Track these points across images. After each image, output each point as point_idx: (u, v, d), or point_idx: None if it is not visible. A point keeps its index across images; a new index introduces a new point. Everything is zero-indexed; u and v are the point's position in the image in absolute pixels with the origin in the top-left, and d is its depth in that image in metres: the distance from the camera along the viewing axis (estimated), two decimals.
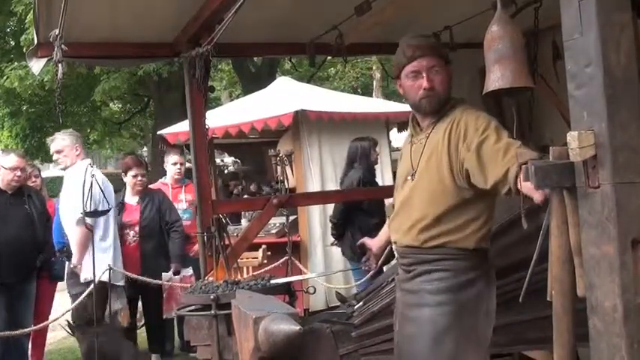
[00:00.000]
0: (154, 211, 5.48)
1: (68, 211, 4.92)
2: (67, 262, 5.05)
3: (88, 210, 4.69)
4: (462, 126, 2.34)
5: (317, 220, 6.99)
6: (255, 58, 14.09)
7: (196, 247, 5.84)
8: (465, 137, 2.30)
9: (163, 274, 5.25)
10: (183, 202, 6.04)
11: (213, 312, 3.09)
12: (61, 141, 5.06)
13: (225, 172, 10.72)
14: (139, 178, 5.51)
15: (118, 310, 5.04)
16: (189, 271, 5.44)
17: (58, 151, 5.06)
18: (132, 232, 5.42)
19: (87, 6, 3.66)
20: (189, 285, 5.09)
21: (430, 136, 2.46)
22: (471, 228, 2.38)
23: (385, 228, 2.98)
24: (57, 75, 3.78)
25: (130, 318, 5.28)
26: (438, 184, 2.39)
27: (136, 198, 5.54)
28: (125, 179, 5.60)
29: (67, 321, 4.75)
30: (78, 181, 4.75)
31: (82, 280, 4.80)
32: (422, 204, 2.44)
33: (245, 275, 5.16)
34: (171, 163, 6.19)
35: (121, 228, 5.36)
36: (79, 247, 4.81)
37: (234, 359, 3.09)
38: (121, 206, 5.45)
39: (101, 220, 4.86)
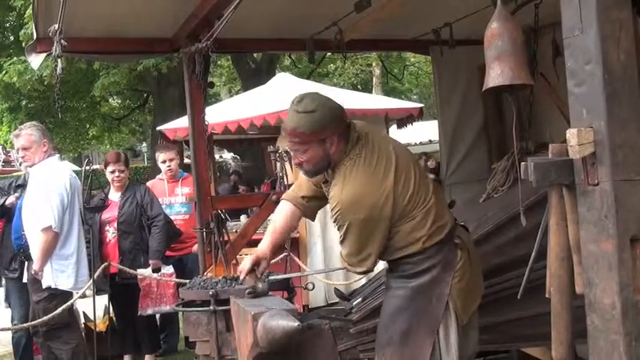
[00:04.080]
0: (134, 207, 5.31)
1: (32, 214, 4.54)
2: (26, 263, 4.73)
3: (84, 206, 4.67)
4: None
5: (317, 217, 6.97)
6: (254, 54, 14.07)
7: (196, 246, 5.85)
8: None
9: (140, 270, 5.09)
10: (180, 195, 5.96)
11: (212, 308, 3.09)
12: (28, 136, 4.61)
13: (231, 170, 10.70)
14: (117, 173, 5.38)
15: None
16: (169, 269, 5.28)
17: (25, 148, 4.60)
18: (111, 229, 5.29)
19: (86, 1, 3.66)
20: (172, 282, 5.07)
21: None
22: (409, 240, 2.62)
23: None
24: (56, 70, 3.78)
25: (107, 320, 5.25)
26: None
27: (119, 194, 5.42)
28: (107, 175, 5.52)
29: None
30: (46, 180, 4.54)
31: (43, 286, 4.48)
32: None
33: None
34: (160, 162, 6.08)
35: (101, 225, 5.27)
36: (42, 252, 4.44)
37: (233, 355, 3.09)
38: (103, 203, 5.34)
39: (64, 226, 4.54)
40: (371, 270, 2.67)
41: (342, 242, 2.64)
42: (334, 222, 2.64)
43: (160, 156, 6.08)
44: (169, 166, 5.99)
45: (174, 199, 5.85)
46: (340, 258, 2.71)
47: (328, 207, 2.74)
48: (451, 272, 2.63)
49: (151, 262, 5.20)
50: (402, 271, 2.66)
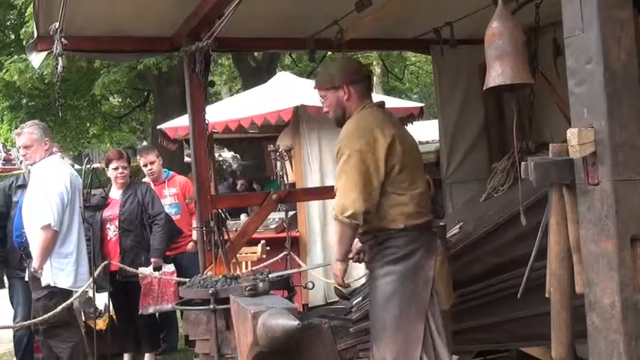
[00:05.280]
0: (135, 205, 5.31)
1: (32, 212, 4.54)
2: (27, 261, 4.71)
3: (85, 204, 4.67)
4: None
5: (316, 216, 6.98)
6: (255, 53, 14.05)
7: (190, 245, 5.85)
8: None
9: (141, 268, 5.09)
10: (168, 197, 5.94)
11: (211, 306, 3.09)
12: (30, 135, 4.64)
13: (230, 170, 10.69)
14: (120, 170, 5.38)
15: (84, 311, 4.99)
16: (170, 267, 5.29)
17: (27, 147, 4.64)
18: (112, 227, 5.29)
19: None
20: (173, 281, 5.08)
21: None
22: (392, 214, 2.81)
23: None
24: (57, 68, 3.77)
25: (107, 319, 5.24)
26: None
27: (120, 192, 5.41)
28: (108, 173, 5.50)
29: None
30: (46, 179, 4.54)
31: (43, 284, 4.48)
32: None
33: (244, 270, 5.15)
34: (142, 165, 6.08)
35: (102, 223, 5.26)
36: (42, 250, 4.45)
37: (232, 354, 3.09)
38: (103, 201, 5.33)
39: (64, 224, 4.53)
40: (358, 219, 2.73)
41: (336, 190, 2.81)
42: (337, 161, 2.86)
43: (141, 160, 6.08)
44: (151, 169, 5.99)
45: (163, 200, 5.77)
46: (332, 212, 2.84)
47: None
48: (433, 257, 2.83)
49: (152, 260, 5.20)
50: (386, 256, 2.82)
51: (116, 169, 5.39)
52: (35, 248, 4.51)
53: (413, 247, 2.81)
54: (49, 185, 4.52)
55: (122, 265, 5.01)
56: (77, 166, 7.19)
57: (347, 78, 2.98)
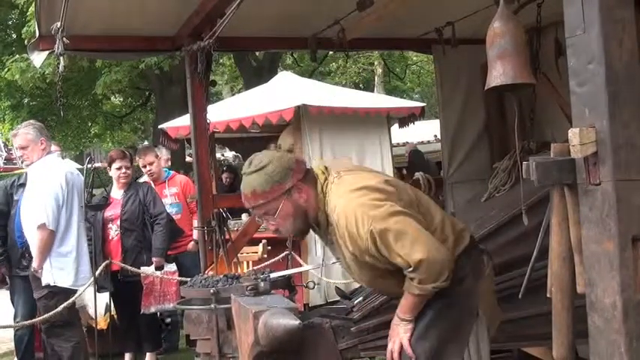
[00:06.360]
0: (136, 204, 5.32)
1: (31, 213, 4.56)
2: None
3: (86, 203, 4.67)
4: (348, 237, 2.32)
5: None
6: (256, 53, 14.05)
7: (191, 244, 5.85)
8: (360, 248, 2.32)
9: (143, 268, 5.10)
10: (168, 196, 5.95)
11: (213, 306, 3.09)
12: (25, 135, 4.64)
13: (224, 168, 10.69)
14: (123, 170, 5.39)
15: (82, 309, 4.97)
16: (172, 267, 5.30)
17: (23, 147, 4.65)
18: (114, 227, 5.30)
19: None
20: (175, 280, 5.08)
21: (336, 239, 2.41)
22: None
23: None
24: (58, 68, 3.78)
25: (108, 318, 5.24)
26: (376, 268, 2.42)
27: (121, 192, 5.42)
28: (110, 173, 5.50)
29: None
30: (41, 179, 4.54)
31: (43, 284, 4.51)
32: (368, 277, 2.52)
33: (245, 270, 5.15)
34: (142, 167, 6.10)
35: (104, 223, 5.28)
36: (39, 250, 4.47)
37: (233, 353, 3.09)
38: (105, 200, 5.35)
39: (61, 223, 4.54)
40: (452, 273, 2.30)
41: (406, 264, 2.26)
42: (384, 244, 2.26)
43: (140, 162, 6.08)
44: (150, 169, 6.00)
45: (164, 200, 5.78)
46: (416, 288, 2.30)
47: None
48: (480, 281, 2.50)
49: (154, 259, 5.20)
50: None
51: (119, 169, 5.40)
52: (33, 248, 4.52)
53: (461, 274, 2.40)
54: (43, 185, 4.53)
55: (124, 265, 5.01)
56: (78, 166, 7.20)
57: (295, 174, 2.37)
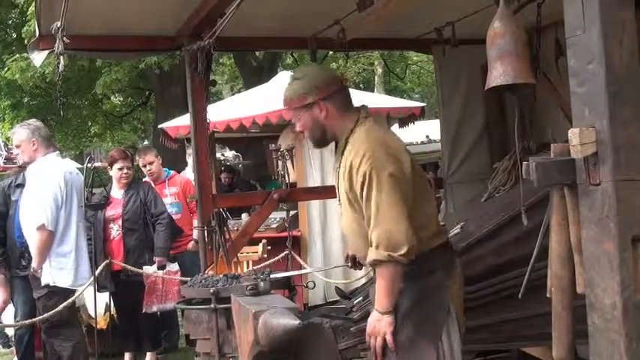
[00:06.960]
0: (138, 204, 5.34)
1: (30, 213, 4.59)
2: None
3: (85, 203, 4.67)
4: (348, 167, 2.52)
5: (317, 215, 6.98)
6: (256, 53, 14.05)
7: (191, 244, 5.86)
8: (350, 182, 2.52)
9: (145, 267, 5.12)
10: (168, 196, 5.96)
11: (212, 306, 3.09)
12: (18, 135, 4.69)
13: (222, 168, 10.70)
14: (125, 170, 5.41)
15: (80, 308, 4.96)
16: (174, 267, 5.32)
17: (17, 147, 4.73)
18: (115, 226, 5.31)
19: None
20: (177, 280, 5.09)
21: (340, 167, 2.62)
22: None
23: None
24: (58, 67, 3.77)
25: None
26: (355, 219, 2.59)
27: (121, 191, 5.43)
28: (111, 172, 5.51)
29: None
30: (39, 179, 4.55)
31: (42, 284, 4.53)
32: (356, 237, 2.66)
33: (245, 269, 5.15)
34: (142, 166, 6.12)
35: (105, 222, 5.28)
36: (38, 251, 4.50)
37: (233, 353, 3.10)
38: (105, 200, 5.35)
39: (60, 223, 4.56)
40: (413, 254, 2.40)
41: (372, 223, 2.41)
42: (363, 186, 2.43)
43: (140, 161, 6.10)
44: (150, 169, 6.02)
45: (164, 200, 5.78)
46: (373, 252, 2.43)
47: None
48: (451, 277, 2.61)
49: (156, 259, 5.22)
50: (405, 273, 2.51)
51: (121, 169, 5.42)
52: (33, 249, 4.53)
53: (434, 265, 2.56)
54: (41, 185, 4.54)
55: (125, 265, 5.02)
56: (78, 165, 7.21)
57: (320, 93, 2.58)
